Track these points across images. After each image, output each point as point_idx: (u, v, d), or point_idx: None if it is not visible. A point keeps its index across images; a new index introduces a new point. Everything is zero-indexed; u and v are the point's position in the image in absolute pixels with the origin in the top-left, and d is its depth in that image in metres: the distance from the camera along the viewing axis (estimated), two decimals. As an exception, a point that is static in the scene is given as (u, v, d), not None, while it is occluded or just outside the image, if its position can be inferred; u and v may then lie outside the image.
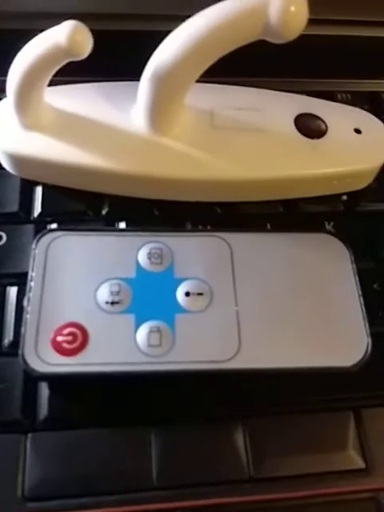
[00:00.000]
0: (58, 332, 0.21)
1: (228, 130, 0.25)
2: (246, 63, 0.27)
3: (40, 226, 0.25)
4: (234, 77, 0.28)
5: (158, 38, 0.23)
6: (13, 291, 0.23)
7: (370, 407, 0.23)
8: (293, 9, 0.20)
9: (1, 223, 0.25)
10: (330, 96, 0.31)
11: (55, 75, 0.23)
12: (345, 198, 0.28)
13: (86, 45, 0.21)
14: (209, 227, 0.26)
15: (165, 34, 0.22)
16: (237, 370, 0.21)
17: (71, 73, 0.23)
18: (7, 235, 0.25)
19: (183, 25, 0.22)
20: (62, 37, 0.20)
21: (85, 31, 0.21)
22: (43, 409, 0.21)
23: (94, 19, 0.27)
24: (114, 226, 0.26)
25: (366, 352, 0.22)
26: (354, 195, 0.28)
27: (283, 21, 0.20)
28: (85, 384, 0.21)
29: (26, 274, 0.22)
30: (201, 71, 0.23)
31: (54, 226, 0.25)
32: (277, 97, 0.28)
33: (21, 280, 0.23)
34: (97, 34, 0.21)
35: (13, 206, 0.25)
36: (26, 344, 0.21)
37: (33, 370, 0.20)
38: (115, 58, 0.27)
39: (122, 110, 0.25)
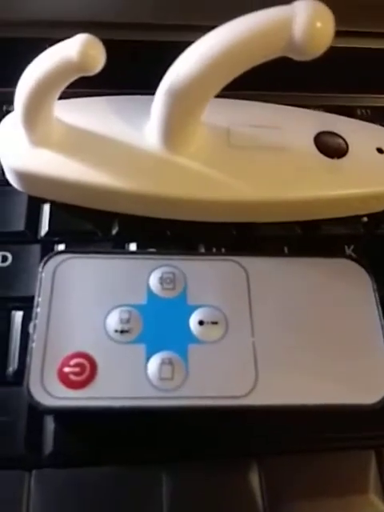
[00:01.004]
0: (65, 362, 0.20)
1: (245, 149, 0.24)
2: (263, 76, 0.25)
3: (47, 246, 0.24)
4: (250, 90, 0.27)
5: (174, 49, 0.22)
6: (18, 316, 0.22)
7: (393, 446, 0.21)
8: (319, 25, 0.19)
9: (6, 243, 0.24)
10: (349, 111, 0.30)
11: (67, 87, 0.22)
12: (365, 219, 0.26)
13: (98, 59, 0.20)
14: (223, 250, 0.25)
15: (181, 45, 0.21)
16: (253, 406, 0.20)
17: (82, 84, 0.22)
18: (13, 256, 0.24)
19: (203, 39, 0.21)
20: (74, 51, 0.19)
21: (98, 45, 0.20)
22: (48, 444, 0.20)
23: (107, 28, 0.26)
24: (124, 246, 0.25)
25: (390, 388, 0.21)
26: (375, 217, 0.26)
27: (308, 37, 0.19)
28: (93, 418, 0.20)
29: (32, 298, 0.21)
30: (219, 88, 0.22)
31: (61, 247, 0.24)
32: (295, 114, 0.26)
33: (27, 304, 0.22)
34: (110, 44, 0.20)
35: (19, 225, 0.24)
36: (31, 375, 0.20)
37: (38, 403, 0.19)
38: (129, 69, 0.26)
39: (135, 126, 0.24)
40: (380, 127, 0.27)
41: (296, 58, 0.20)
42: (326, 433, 0.21)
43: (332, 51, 0.27)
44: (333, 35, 0.19)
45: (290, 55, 0.20)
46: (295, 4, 0.19)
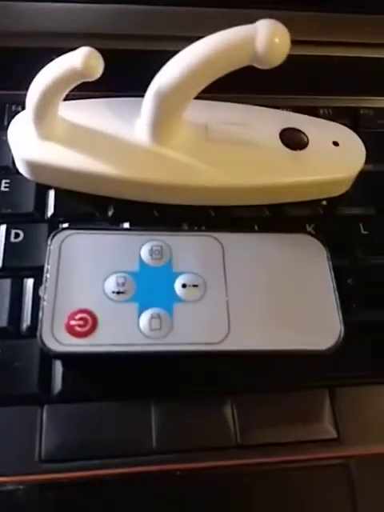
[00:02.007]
0: (71, 317, 0.24)
1: (221, 143, 0.29)
2: (238, 81, 0.30)
3: (53, 226, 0.28)
4: (227, 93, 0.31)
5: (160, 57, 0.26)
6: (29, 282, 0.27)
7: (343, 386, 0.26)
8: (277, 40, 0.23)
9: (18, 222, 0.28)
10: (313, 111, 0.35)
11: (70, 90, 0.26)
12: (324, 203, 0.31)
13: (98, 68, 0.24)
14: (203, 228, 0.29)
15: (167, 53, 0.25)
16: (226, 351, 0.24)
17: (84, 87, 0.26)
18: (24, 233, 0.28)
19: (182, 52, 0.25)
20: (78, 61, 0.24)
21: (97, 56, 0.24)
22: (57, 384, 0.24)
23: (104, 39, 0.31)
24: (119, 226, 0.29)
25: (339, 337, 0.25)
26: (333, 201, 0.31)
27: (268, 51, 0.23)
28: (94, 362, 0.24)
29: (41, 268, 0.25)
30: (197, 91, 0.26)
31: (65, 225, 0.28)
32: (264, 113, 0.31)
33: (37, 272, 0.26)
34: (107, 53, 0.24)
35: (29, 207, 0.29)
36: (44, 327, 0.24)
37: (49, 349, 0.23)
38: (123, 75, 0.30)
39: (127, 123, 0.29)
40: (337, 124, 0.32)
41: (260, 67, 0.24)
42: (288, 374, 0.26)
43: (297, 58, 0.32)
44: (289, 49, 0.23)
45: (255, 65, 0.24)
46: (258, 23, 0.23)
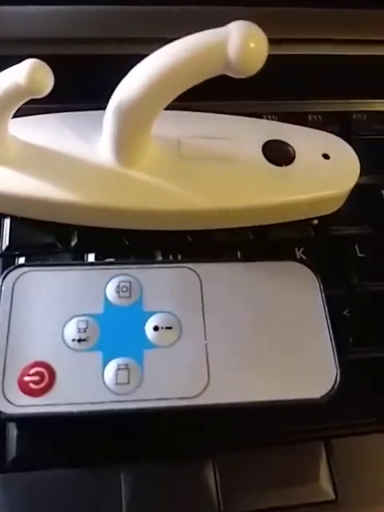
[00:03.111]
0: (25, 372, 0.21)
1: (195, 160, 0.25)
2: (212, 87, 0.27)
3: (8, 260, 0.25)
4: (199, 101, 0.28)
5: (123, 62, 0.23)
6: (-21, 329, 0.23)
7: (340, 437, 0.23)
8: (252, 45, 0.20)
9: (-33, 257, 0.25)
10: (300, 117, 0.31)
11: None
12: (315, 222, 0.28)
13: (45, 83, 0.21)
14: (179, 257, 0.26)
15: (131, 58, 0.22)
16: (205, 405, 0.21)
17: (37, 100, 0.22)
18: (-26, 270, 0.24)
19: (147, 59, 0.22)
20: (22, 76, 0.20)
21: (45, 69, 0.21)
22: (12, 449, 0.21)
23: (57, 44, 0.27)
24: (84, 257, 0.26)
25: (335, 383, 0.22)
26: (324, 219, 0.28)
27: (242, 57, 0.20)
28: (53, 424, 0.21)
29: (-7, 312, 0.22)
30: (165, 104, 0.23)
31: (21, 260, 0.25)
32: (244, 123, 0.28)
33: (-12, 317, 0.23)
34: (60, 60, 0.21)
35: (-21, 240, 0.25)
36: (-7, 385, 0.21)
37: (0, 411, 0.20)
38: (81, 84, 0.27)
39: (88, 141, 0.25)
40: (326, 133, 0.28)
41: (234, 76, 0.21)
42: (277, 427, 0.22)
43: (282, 58, 0.29)
44: (266, 55, 0.20)
45: (228, 74, 0.21)
46: (229, 26, 0.20)
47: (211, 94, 0.28)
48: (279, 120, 0.31)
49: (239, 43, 0.20)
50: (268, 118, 0.31)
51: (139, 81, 0.22)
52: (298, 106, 0.32)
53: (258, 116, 0.30)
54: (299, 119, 0.31)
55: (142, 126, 0.24)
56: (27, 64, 0.20)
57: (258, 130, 0.27)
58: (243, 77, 0.21)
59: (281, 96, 0.32)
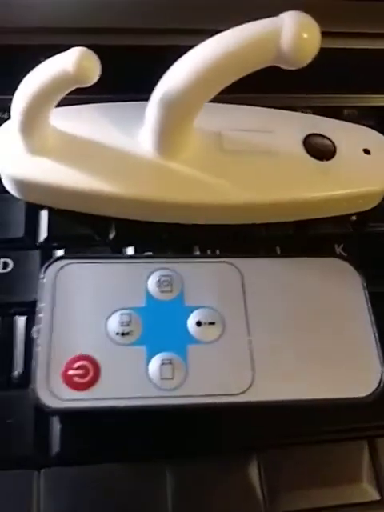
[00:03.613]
0: (69, 365, 0.21)
1: (237, 153, 0.25)
2: (251, 79, 0.26)
3: (46, 252, 0.25)
4: (239, 93, 0.28)
5: (169, 54, 0.22)
6: (21, 321, 0.23)
7: (384, 436, 0.22)
8: (305, 36, 0.19)
9: (6, 249, 0.25)
10: (336, 111, 0.31)
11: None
12: (354, 218, 0.27)
13: (93, 71, 0.20)
14: (218, 251, 0.25)
15: (177, 49, 0.22)
16: (251, 402, 0.21)
17: (80, 91, 0.22)
18: (13, 262, 0.24)
19: (195, 49, 0.21)
20: (70, 64, 0.20)
21: (93, 57, 0.20)
22: (55, 444, 0.21)
23: (101, 34, 0.27)
24: (122, 250, 0.25)
25: (381, 382, 0.22)
26: (363, 215, 0.27)
27: (295, 48, 0.19)
28: (97, 419, 0.21)
29: (33, 303, 0.22)
30: (212, 95, 0.22)
31: (60, 252, 0.25)
32: (285, 117, 0.27)
33: (29, 308, 0.23)
34: (104, 50, 0.20)
35: (18, 232, 0.25)
36: (38, 378, 0.20)
37: (45, 405, 0.20)
38: (124, 75, 0.27)
39: (129, 133, 0.25)
40: (366, 128, 0.28)
41: (285, 67, 0.20)
42: (321, 426, 0.22)
43: (319, 53, 0.28)
44: (319, 46, 0.20)
45: (279, 65, 0.20)
46: (282, 16, 0.20)
47: (245, 86, 0.28)
48: (314, 114, 0.30)
49: (293, 33, 0.19)
50: (302, 112, 0.31)
51: (187, 71, 0.21)
52: (333, 100, 0.32)
53: (293, 110, 0.30)
54: (334, 113, 0.30)
55: (185, 118, 0.23)
56: (75, 52, 0.20)
57: (298, 124, 0.27)
58: (294, 68, 0.21)
59: (316, 91, 0.32)
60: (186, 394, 0.21)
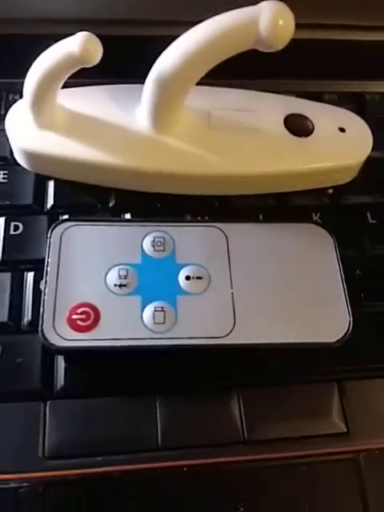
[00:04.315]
0: (73, 311, 0.24)
1: (223, 130, 0.28)
2: (240, 66, 0.29)
3: (53, 217, 0.27)
4: (229, 79, 0.30)
5: (161, 42, 0.25)
6: (30, 276, 0.26)
7: (352, 380, 0.25)
8: (281, 22, 0.22)
9: (17, 214, 0.27)
10: (318, 96, 0.34)
11: (69, 77, 0.25)
12: (331, 191, 0.30)
13: (96, 53, 0.23)
14: (207, 218, 0.28)
15: (168, 38, 0.25)
16: (231, 344, 0.24)
17: (83, 75, 0.25)
18: (23, 225, 0.27)
19: (183, 36, 0.24)
20: (76, 46, 0.23)
21: (96, 41, 0.23)
22: (60, 379, 0.24)
23: (102, 25, 0.30)
24: (121, 217, 0.28)
25: (348, 329, 0.24)
26: (339, 189, 0.30)
27: (272, 33, 0.22)
28: (97, 357, 0.24)
29: (41, 261, 0.25)
30: (199, 76, 0.25)
31: (65, 216, 0.27)
32: (268, 98, 0.30)
33: (37, 266, 0.26)
34: (105, 39, 0.23)
35: (27, 199, 0.28)
36: (45, 321, 0.23)
37: (51, 344, 0.23)
38: (122, 61, 0.29)
39: (127, 111, 0.28)
40: (343, 109, 0.31)
41: (264, 50, 0.23)
42: (296, 368, 0.25)
43: (302, 42, 0.31)
44: (293, 31, 0.22)
45: (259, 48, 0.23)
46: (261, 4, 0.22)
47: (236, 72, 0.30)
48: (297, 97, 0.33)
49: (270, 20, 0.22)
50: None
51: (177, 53, 0.24)
52: (315, 86, 0.35)
53: (276, 93, 0.33)
54: (316, 98, 0.33)
55: (176, 97, 0.26)
56: (80, 35, 0.23)
57: (280, 105, 0.29)
58: (271, 51, 0.23)
59: (299, 76, 0.34)
60: (175, 336, 0.23)
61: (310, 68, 0.34)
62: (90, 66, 0.23)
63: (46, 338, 0.23)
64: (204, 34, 0.23)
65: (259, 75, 0.33)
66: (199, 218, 0.28)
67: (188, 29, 0.24)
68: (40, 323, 0.23)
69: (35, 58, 0.25)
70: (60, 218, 0.28)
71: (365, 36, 0.35)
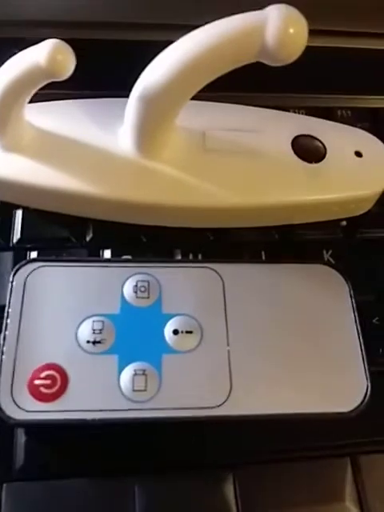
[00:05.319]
0: (36, 375, 0.20)
1: (221, 153, 0.24)
2: (241, 76, 0.25)
3: (19, 253, 0.24)
4: (227, 91, 0.27)
5: (149, 49, 0.21)
6: (-13, 326, 0.22)
7: (368, 454, 0.21)
8: (291, 30, 0.18)
9: (-22, 250, 0.23)
10: (329, 112, 0.30)
11: (38, 90, 0.21)
12: (344, 223, 0.26)
13: (67, 65, 0.19)
14: (200, 256, 0.24)
15: (157, 44, 0.21)
16: (227, 416, 0.20)
17: (55, 86, 0.21)
18: (-16, 264, 0.23)
19: (176, 43, 0.20)
20: (42, 57, 0.19)
21: (66, 50, 0.19)
22: (19, 457, 0.20)
23: (79, 28, 0.26)
24: (99, 252, 0.24)
25: (365, 396, 0.20)
26: (354, 221, 0.26)
27: (281, 43, 0.18)
28: (64, 431, 0.20)
29: (2, 307, 0.21)
30: (193, 92, 0.21)
31: (34, 254, 0.24)
32: (273, 116, 0.26)
33: (-3, 313, 0.22)
34: (82, 44, 0.19)
35: (-10, 232, 0.24)
36: (1, 388, 0.19)
37: (8, 417, 0.19)
38: (102, 70, 0.26)
39: (108, 130, 0.24)
40: (358, 130, 0.27)
41: (269, 63, 0.19)
42: (301, 442, 0.21)
43: (311, 51, 0.27)
44: (305, 41, 0.19)
45: (263, 61, 0.19)
46: (268, 9, 0.18)
47: (234, 84, 0.26)
48: (307, 115, 0.29)
49: (278, 28, 0.18)
50: (295, 113, 0.30)
51: (167, 66, 0.20)
52: (326, 100, 0.31)
53: (285, 110, 0.29)
54: (327, 114, 0.29)
55: (166, 115, 0.22)
56: (48, 44, 0.19)
57: (287, 124, 0.25)
58: (279, 65, 0.19)
59: (306, 90, 0.31)
60: (159, 406, 0.19)
61: (320, 80, 0.30)
62: (60, 79, 0.19)
63: (1, 410, 0.19)
64: (199, 43, 0.19)
65: (260, 88, 0.30)
66: (191, 255, 0.24)
67: (181, 34, 0.20)
68: (-5, 390, 0.19)
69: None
70: (28, 253, 0.24)
71: (382, 44, 0.31)
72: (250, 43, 0.19)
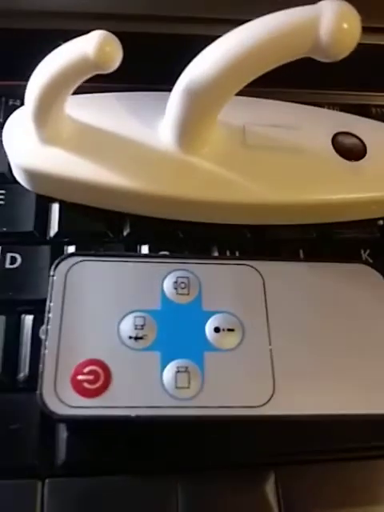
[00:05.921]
0: (79, 370, 0.19)
1: (261, 149, 0.24)
2: (277, 72, 0.25)
3: (56, 247, 0.23)
4: (264, 86, 0.26)
5: (194, 43, 0.21)
6: (28, 319, 0.22)
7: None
8: (345, 26, 0.18)
9: (15, 243, 0.23)
10: (363, 110, 0.30)
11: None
12: (381, 222, 0.26)
13: (115, 57, 0.19)
14: (237, 253, 0.24)
15: (203, 38, 0.20)
16: (271, 416, 0.19)
17: (97, 78, 0.20)
18: (22, 257, 0.23)
19: (225, 36, 0.20)
20: (90, 48, 0.19)
21: (114, 42, 0.19)
22: (61, 453, 0.19)
23: (122, 20, 0.25)
24: (136, 248, 0.24)
25: (410, 396, 0.20)
26: (392, 220, 0.26)
27: (335, 39, 0.18)
28: (107, 427, 0.20)
29: (42, 301, 0.21)
30: (239, 87, 0.21)
31: (72, 248, 0.23)
32: (312, 113, 0.26)
33: (37, 307, 0.21)
34: (125, 37, 0.19)
35: (27, 225, 0.24)
36: (45, 383, 0.19)
37: (52, 412, 0.19)
38: (144, 63, 0.25)
39: (148, 124, 0.24)
40: (397, 128, 0.26)
41: (321, 59, 0.19)
42: (344, 442, 0.21)
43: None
44: (359, 38, 0.18)
45: (315, 56, 0.19)
46: (321, 4, 0.18)
47: (273, 80, 0.26)
48: (341, 111, 0.29)
49: (333, 22, 0.18)
50: (329, 109, 0.29)
51: (215, 60, 0.20)
52: (361, 97, 0.30)
53: (318, 106, 0.28)
54: (362, 111, 0.29)
55: (210, 111, 0.22)
56: (96, 35, 0.19)
57: (327, 121, 0.25)
58: (330, 61, 0.19)
59: (344, 87, 0.30)
60: (202, 404, 0.19)
61: (355, 77, 0.30)
62: (107, 72, 0.19)
63: (45, 405, 0.19)
64: (250, 37, 0.19)
65: (296, 84, 0.29)
66: (228, 252, 0.24)
67: (228, 28, 0.20)
68: (39, 384, 0.19)
69: (40, 58, 0.21)
70: (65, 248, 0.23)
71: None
72: (303, 38, 0.18)
